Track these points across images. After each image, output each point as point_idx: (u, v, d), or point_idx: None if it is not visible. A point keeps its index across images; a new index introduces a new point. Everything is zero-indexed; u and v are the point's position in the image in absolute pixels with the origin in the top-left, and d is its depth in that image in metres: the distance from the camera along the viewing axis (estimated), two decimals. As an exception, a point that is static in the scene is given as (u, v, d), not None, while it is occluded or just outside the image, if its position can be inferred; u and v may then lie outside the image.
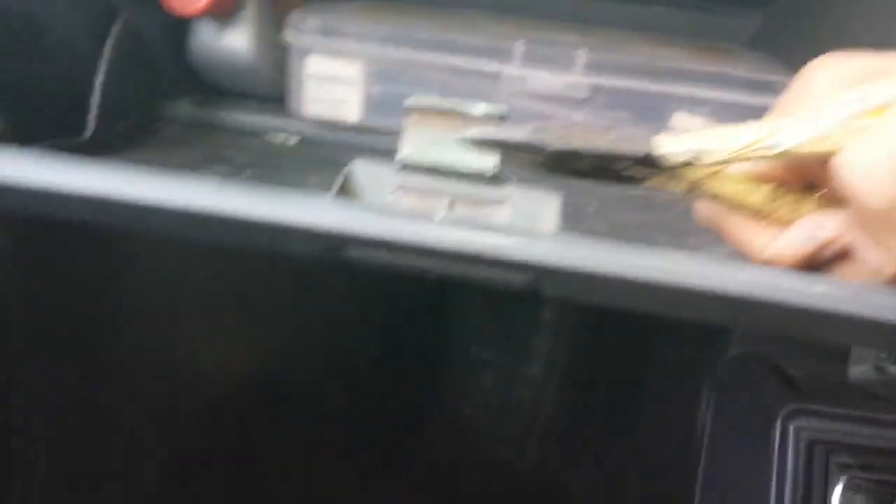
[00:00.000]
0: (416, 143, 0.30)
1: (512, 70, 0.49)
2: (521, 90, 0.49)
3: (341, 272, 0.83)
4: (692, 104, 0.48)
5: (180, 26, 0.54)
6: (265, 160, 0.50)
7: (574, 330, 0.92)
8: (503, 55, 0.49)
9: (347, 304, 0.87)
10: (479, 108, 0.30)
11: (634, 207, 0.47)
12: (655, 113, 0.49)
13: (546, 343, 0.94)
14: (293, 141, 0.54)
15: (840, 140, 0.25)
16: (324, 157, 0.51)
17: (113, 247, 0.61)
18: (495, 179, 0.29)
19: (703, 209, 0.30)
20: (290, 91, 0.53)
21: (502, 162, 0.30)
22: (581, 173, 0.29)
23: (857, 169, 0.23)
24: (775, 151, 0.26)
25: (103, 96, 0.48)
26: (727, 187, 0.28)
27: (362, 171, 0.31)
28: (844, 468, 0.51)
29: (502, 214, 0.29)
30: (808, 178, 0.28)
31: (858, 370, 0.58)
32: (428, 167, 0.29)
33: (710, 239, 0.43)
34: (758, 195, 0.28)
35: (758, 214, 0.28)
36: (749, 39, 0.59)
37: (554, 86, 0.49)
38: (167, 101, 0.55)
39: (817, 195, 0.28)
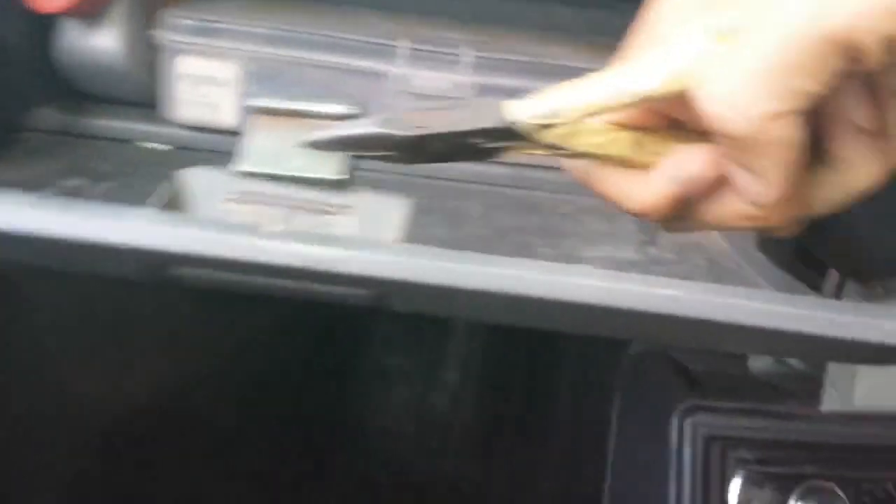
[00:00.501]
0: (258, 147, 0.28)
1: (396, 69, 0.47)
2: (406, 90, 0.48)
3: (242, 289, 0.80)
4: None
5: (44, 27, 0.51)
6: (130, 169, 0.47)
7: (487, 332, 0.91)
8: (387, 54, 0.47)
9: (253, 320, 0.83)
10: (327, 108, 0.28)
11: (518, 210, 0.46)
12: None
13: (459, 348, 0.93)
14: (166, 148, 0.51)
15: (694, 73, 0.24)
16: (196, 165, 0.48)
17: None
18: (340, 185, 0.27)
19: (571, 168, 0.29)
20: (162, 94, 0.50)
21: (355, 160, 0.28)
22: (439, 156, 0.27)
23: (716, 98, 0.23)
24: (633, 98, 0.25)
25: (-42, 105, 0.44)
26: (586, 142, 0.27)
27: (197, 179, 0.29)
28: (742, 463, 0.51)
29: (347, 223, 0.28)
30: (670, 118, 0.27)
31: (759, 363, 0.58)
32: (269, 174, 0.27)
33: (585, 240, 0.43)
34: (621, 144, 0.27)
35: (626, 164, 0.27)
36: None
37: (440, 85, 0.47)
38: (31, 109, 0.51)
39: (683, 133, 0.27)
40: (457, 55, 0.47)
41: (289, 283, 0.26)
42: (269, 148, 0.28)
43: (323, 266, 0.24)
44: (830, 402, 0.51)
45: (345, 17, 0.51)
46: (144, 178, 0.46)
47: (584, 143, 0.27)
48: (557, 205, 0.48)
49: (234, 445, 0.82)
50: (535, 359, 0.91)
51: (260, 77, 0.48)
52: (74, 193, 0.43)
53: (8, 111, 0.50)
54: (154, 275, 0.28)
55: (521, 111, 0.26)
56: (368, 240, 0.25)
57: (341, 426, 0.91)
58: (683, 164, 0.26)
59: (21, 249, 0.28)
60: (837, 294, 0.45)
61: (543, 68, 0.48)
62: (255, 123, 0.28)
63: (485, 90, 0.48)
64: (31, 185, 0.43)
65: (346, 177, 0.28)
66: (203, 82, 0.49)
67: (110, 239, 0.24)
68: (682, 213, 0.27)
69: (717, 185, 0.26)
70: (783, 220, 0.25)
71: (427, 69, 0.47)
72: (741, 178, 0.24)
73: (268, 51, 0.48)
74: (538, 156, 0.28)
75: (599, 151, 0.27)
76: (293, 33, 0.47)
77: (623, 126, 0.27)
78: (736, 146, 0.23)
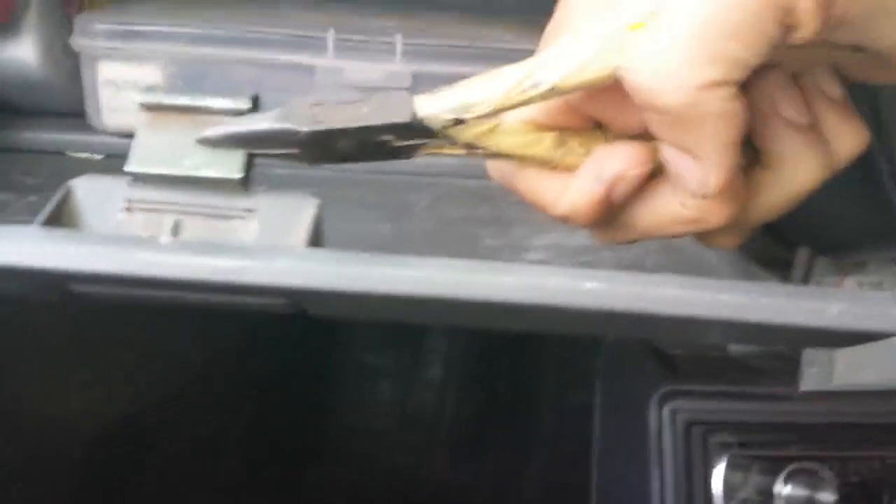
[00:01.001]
0: (149, 147, 0.25)
1: (326, 62, 0.45)
2: (338, 83, 0.45)
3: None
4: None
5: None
6: (59, 182, 0.44)
7: (466, 328, 0.89)
8: (315, 46, 0.45)
9: (229, 324, 0.81)
10: (219, 102, 0.26)
11: (467, 201, 0.44)
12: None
13: (441, 343, 0.91)
14: (98, 157, 0.49)
15: (605, 62, 0.22)
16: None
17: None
18: (240, 187, 0.25)
19: (493, 168, 0.27)
20: (87, 102, 0.48)
21: (254, 161, 0.26)
22: (346, 156, 0.25)
23: (647, 70, 0.21)
24: (542, 89, 0.23)
25: None
26: (507, 142, 0.25)
27: (87, 189, 0.27)
28: (725, 447, 0.49)
29: (249, 228, 0.25)
30: (590, 117, 0.26)
31: (738, 344, 0.56)
32: (163, 178, 0.25)
33: (535, 229, 0.41)
34: (541, 145, 0.25)
35: (549, 165, 0.26)
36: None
37: (372, 76, 0.45)
38: (-44, 127, 0.49)
39: (610, 134, 0.26)
40: (390, 43, 0.45)
41: (192, 296, 0.24)
42: (162, 147, 0.26)
43: (220, 277, 0.22)
44: (810, 381, 0.49)
45: (268, 12, 0.48)
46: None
47: (503, 142, 0.25)
48: (510, 192, 0.46)
49: (214, 455, 0.81)
50: (518, 350, 0.89)
51: (185, 78, 0.46)
52: (-1, 210, 0.41)
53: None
54: (52, 295, 0.26)
55: (430, 106, 0.25)
56: (267, 247, 0.23)
57: (324, 428, 0.89)
58: (607, 161, 0.24)
59: None
60: (808, 270, 0.43)
61: (484, 52, 0.45)
62: (145, 122, 0.26)
63: (421, 79, 0.45)
64: None
65: (245, 176, 0.25)
66: (127, 87, 0.46)
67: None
68: (610, 217, 0.25)
69: (648, 185, 0.24)
70: (723, 220, 0.23)
71: (358, 59, 0.45)
72: (679, 163, 0.23)
73: (190, 51, 0.45)
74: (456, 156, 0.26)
75: (520, 152, 0.25)
76: (215, 31, 0.45)
77: (542, 126, 0.25)
78: (672, 124, 0.22)
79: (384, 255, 0.22)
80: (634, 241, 0.26)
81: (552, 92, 0.23)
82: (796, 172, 0.24)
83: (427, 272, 0.21)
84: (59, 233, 0.25)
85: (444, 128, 0.25)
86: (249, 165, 0.26)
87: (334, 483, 0.85)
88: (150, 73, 0.46)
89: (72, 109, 0.49)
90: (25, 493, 0.64)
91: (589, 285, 0.20)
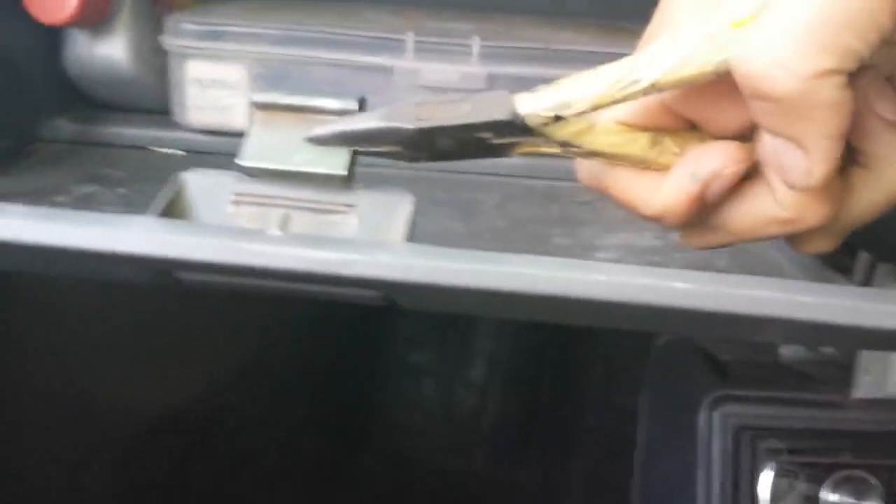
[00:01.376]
0: (260, 144, 0.27)
1: (404, 63, 0.47)
2: (415, 84, 0.47)
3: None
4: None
5: (54, 38, 0.51)
6: (144, 175, 0.47)
7: (514, 326, 0.90)
8: (394, 48, 0.47)
9: (278, 319, 0.83)
10: (330, 102, 0.28)
11: (536, 200, 0.45)
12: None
13: (486, 342, 0.92)
14: (180, 153, 0.51)
15: (707, 59, 0.23)
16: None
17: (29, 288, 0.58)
18: (344, 183, 0.27)
19: (583, 169, 0.28)
20: (173, 100, 0.50)
21: (359, 157, 0.28)
22: (447, 153, 0.26)
23: (758, 58, 0.21)
24: (642, 86, 0.24)
25: (-31, 118, 0.45)
26: (602, 141, 0.26)
27: (196, 182, 0.29)
28: (773, 453, 0.50)
29: (351, 222, 0.27)
30: (686, 118, 0.26)
31: (789, 351, 0.56)
32: (271, 173, 0.27)
33: (604, 228, 0.42)
34: (636, 144, 0.26)
35: (642, 164, 0.26)
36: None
37: (449, 77, 0.47)
38: (45, 119, 0.52)
39: (705, 135, 0.26)
40: (465, 45, 0.46)
41: (295, 286, 0.26)
42: (272, 144, 0.27)
43: (325, 269, 0.24)
44: (863, 388, 0.49)
45: (350, 14, 0.50)
46: (158, 183, 0.45)
47: (598, 141, 0.26)
48: (577, 193, 0.46)
49: (260, 447, 0.83)
50: (563, 352, 0.90)
51: (268, 78, 0.48)
52: (88, 200, 0.43)
53: (21, 122, 0.51)
54: (161, 281, 0.28)
55: (529, 103, 0.25)
56: (370, 241, 0.25)
57: (369, 425, 0.91)
58: (704, 158, 0.24)
59: (28, 259, 0.28)
60: (868, 276, 0.44)
61: (556, 54, 0.46)
62: (258, 120, 0.28)
63: (496, 80, 0.47)
64: (46, 193, 0.43)
65: (349, 173, 0.27)
66: (213, 86, 0.49)
67: (112, 248, 0.24)
68: (703, 219, 0.25)
69: (743, 186, 0.24)
70: (820, 220, 0.24)
71: (435, 61, 0.47)
72: (784, 153, 0.23)
73: (275, 51, 0.47)
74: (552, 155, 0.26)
75: (615, 150, 0.26)
76: (299, 32, 0.47)
77: (638, 126, 0.26)
78: (782, 112, 0.22)
79: (481, 251, 0.24)
80: (727, 244, 0.26)
81: (652, 88, 0.24)
82: (893, 172, 0.24)
83: (523, 269, 0.23)
84: (173, 223, 0.27)
85: (543, 125, 0.25)
86: (353, 163, 0.27)
87: (379, 478, 0.86)
88: (236, 73, 0.48)
89: (156, 106, 0.52)
90: (97, 472, 0.67)
91: (680, 286, 0.22)
